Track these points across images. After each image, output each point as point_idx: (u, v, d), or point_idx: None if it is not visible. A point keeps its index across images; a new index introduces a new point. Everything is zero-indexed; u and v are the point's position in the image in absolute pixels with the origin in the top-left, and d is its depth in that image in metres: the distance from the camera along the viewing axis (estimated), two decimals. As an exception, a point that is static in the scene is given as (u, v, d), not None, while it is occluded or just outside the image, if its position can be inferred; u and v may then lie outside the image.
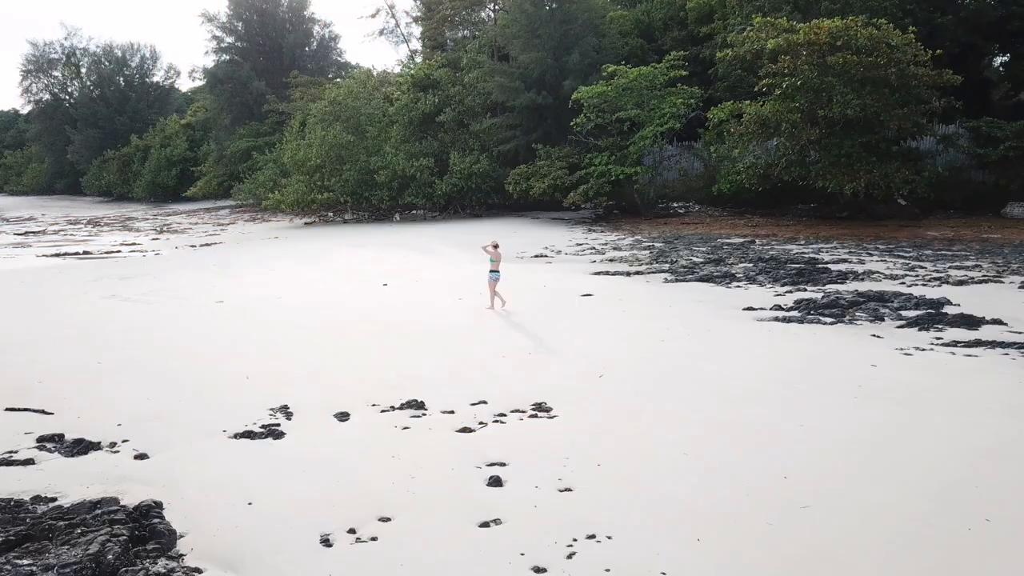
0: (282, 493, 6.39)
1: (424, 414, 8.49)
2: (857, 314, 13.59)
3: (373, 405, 8.81)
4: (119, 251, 30.35)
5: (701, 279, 17.80)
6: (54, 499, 6.25)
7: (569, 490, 6.36)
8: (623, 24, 42.68)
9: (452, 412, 8.49)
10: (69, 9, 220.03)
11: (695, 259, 21.27)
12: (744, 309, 14.24)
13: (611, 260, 21.74)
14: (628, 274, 18.86)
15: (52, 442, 7.83)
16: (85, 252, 30.02)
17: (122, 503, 6.15)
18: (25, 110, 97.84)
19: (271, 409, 8.70)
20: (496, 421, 8.19)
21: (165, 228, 43.82)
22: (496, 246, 14.96)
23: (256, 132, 57.65)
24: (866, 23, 25.77)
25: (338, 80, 46.52)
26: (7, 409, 8.85)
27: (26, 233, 41.92)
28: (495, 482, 6.56)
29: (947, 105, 26.58)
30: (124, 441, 7.79)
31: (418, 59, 57.76)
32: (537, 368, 10.28)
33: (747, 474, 6.59)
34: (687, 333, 12.22)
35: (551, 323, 13.17)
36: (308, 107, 49.36)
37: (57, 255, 29.25)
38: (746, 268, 19.19)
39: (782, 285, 16.85)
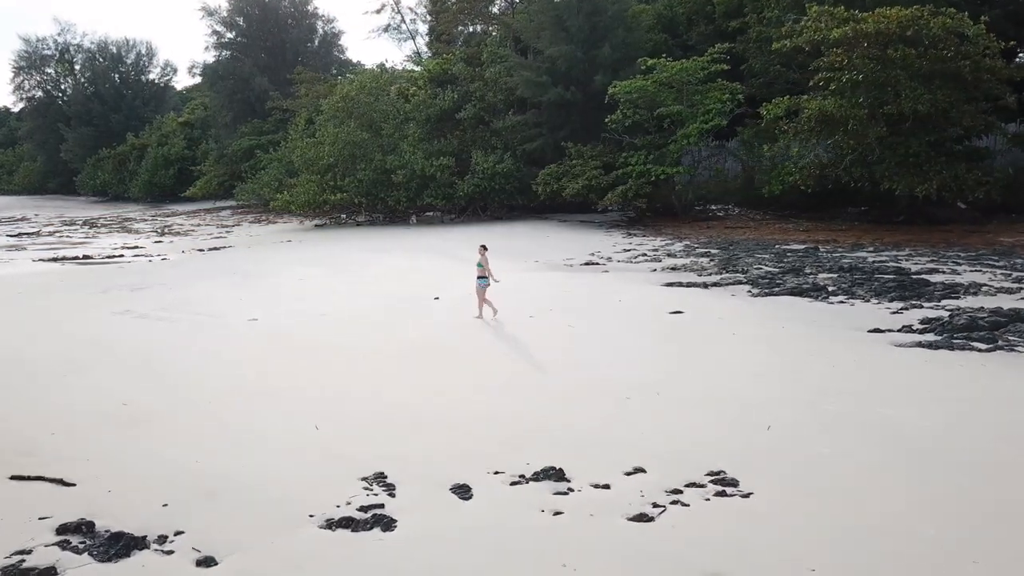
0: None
1: (569, 488, 6.41)
2: (1009, 338, 11.59)
3: (496, 472, 6.73)
4: (121, 255, 28.15)
5: (791, 292, 15.76)
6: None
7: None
8: (645, 19, 40.71)
9: (607, 487, 6.42)
10: (63, 4, 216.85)
11: (766, 268, 19.24)
12: (870, 331, 12.21)
13: (673, 269, 19.69)
14: (705, 286, 16.81)
15: (79, 534, 5.73)
16: (85, 256, 27.80)
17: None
18: (16, 108, 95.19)
19: (364, 479, 6.61)
20: (674, 502, 6.11)
21: (166, 230, 41.56)
22: (485, 249, 13.65)
23: (259, 130, 55.39)
24: (934, 12, 23.80)
25: (350, 76, 44.26)
26: (13, 478, 6.73)
27: (19, 235, 39.59)
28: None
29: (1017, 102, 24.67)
30: (177, 534, 5.69)
31: (425, 55, 55.71)
32: (678, 415, 8.21)
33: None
34: (830, 364, 10.17)
35: (657, 350, 11.11)
36: (315, 104, 47.25)
37: (55, 259, 27.05)
38: (831, 279, 17.17)
39: (889, 300, 14.81)
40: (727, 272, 18.81)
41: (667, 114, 29.51)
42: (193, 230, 41.16)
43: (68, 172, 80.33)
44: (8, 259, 27.54)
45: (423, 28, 62.09)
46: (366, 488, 6.45)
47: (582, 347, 11.37)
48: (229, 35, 62.78)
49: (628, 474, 6.66)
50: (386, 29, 61.69)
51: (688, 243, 25.01)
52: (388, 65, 49.00)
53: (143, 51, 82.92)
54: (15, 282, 19.60)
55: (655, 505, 6.06)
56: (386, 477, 6.65)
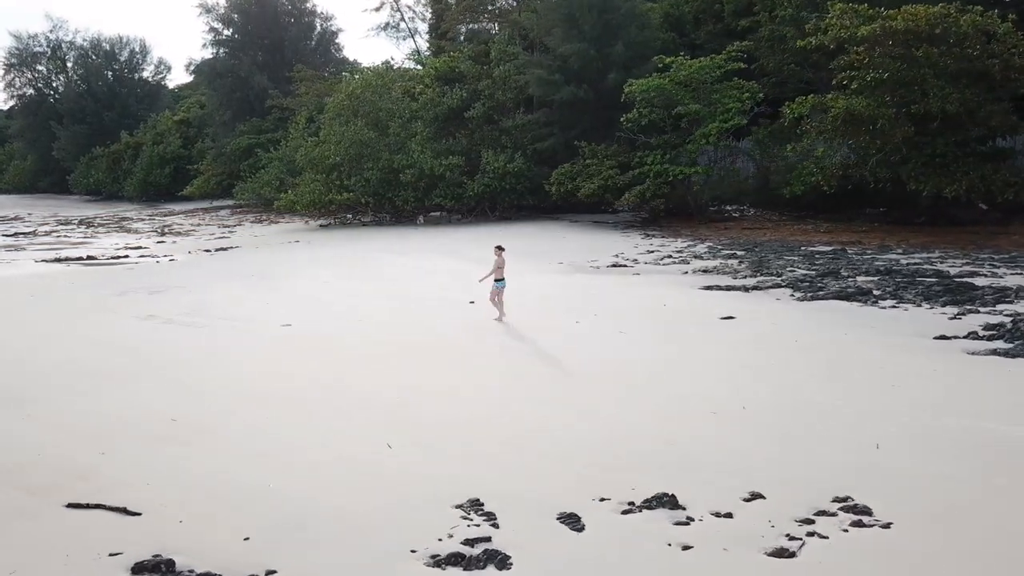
0: None
1: (688, 517, 5.84)
2: (1085, 345, 11.11)
3: (602, 500, 6.15)
4: (126, 256, 27.41)
5: (837, 296, 15.24)
6: None
7: None
8: (654, 17, 40.20)
9: (729, 516, 5.86)
10: (56, 1, 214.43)
11: (800, 270, 18.74)
12: (936, 338, 11.72)
13: (704, 271, 19.17)
14: (745, 289, 16.29)
15: (158, 575, 5.13)
16: (89, 257, 27.05)
17: None
18: (7, 105, 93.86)
19: (460, 507, 6.02)
20: (810, 534, 5.56)
21: (166, 229, 40.75)
22: (501, 249, 13.33)
23: (258, 129, 54.58)
24: (961, 9, 23.39)
25: (357, 74, 43.50)
26: (71, 506, 6.12)
27: (16, 234, 38.71)
28: None
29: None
30: (270, 574, 5.09)
31: (425, 54, 55.05)
32: (776, 432, 7.65)
33: None
34: (911, 374, 9.65)
35: (723, 360, 10.55)
36: (316, 103, 46.55)
37: (58, 260, 26.30)
38: (872, 282, 16.68)
39: (942, 305, 14.30)
40: (761, 275, 18.30)
41: (685, 113, 28.99)
42: (194, 230, 40.38)
43: (60, 171, 79.15)
44: (9, 260, 26.77)
45: (423, 27, 61.51)
46: (464, 517, 5.87)
47: (644, 356, 10.80)
48: (227, 32, 61.89)
49: (746, 500, 6.10)
50: (385, 27, 61.00)
51: (711, 244, 24.50)
52: (393, 63, 48.15)
53: (137, 48, 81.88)
54: (23, 284, 18.88)
55: (791, 537, 5.50)
56: (483, 504, 6.07)
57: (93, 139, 73.95)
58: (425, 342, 11.77)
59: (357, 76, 42.00)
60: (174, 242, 33.32)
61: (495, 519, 5.84)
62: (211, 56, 62.25)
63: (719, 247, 23.80)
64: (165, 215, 52.87)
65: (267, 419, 8.19)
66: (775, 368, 10.05)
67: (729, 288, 16.50)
